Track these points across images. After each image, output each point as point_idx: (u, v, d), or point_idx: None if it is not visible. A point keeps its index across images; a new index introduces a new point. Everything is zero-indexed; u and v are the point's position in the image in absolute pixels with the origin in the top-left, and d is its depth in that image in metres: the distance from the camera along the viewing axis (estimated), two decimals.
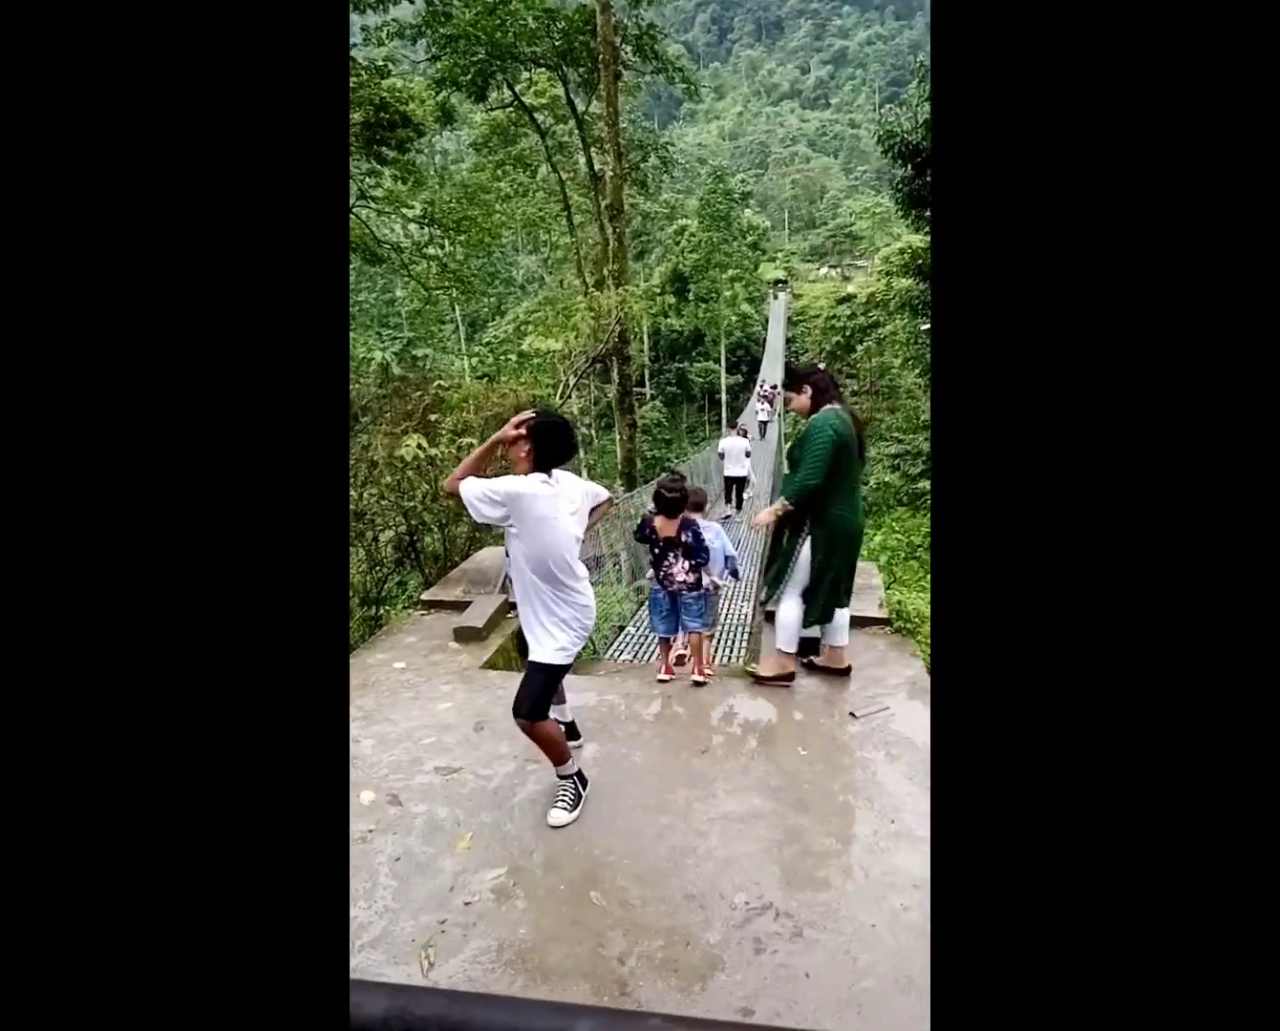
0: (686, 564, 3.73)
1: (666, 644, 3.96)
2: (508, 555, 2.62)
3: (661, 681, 3.77)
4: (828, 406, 3.38)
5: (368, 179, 12.12)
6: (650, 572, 3.90)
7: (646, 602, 3.89)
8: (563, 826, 2.59)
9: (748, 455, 12.24)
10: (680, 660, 3.92)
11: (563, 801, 2.65)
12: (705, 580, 3.76)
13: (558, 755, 2.65)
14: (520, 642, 2.76)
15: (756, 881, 2.29)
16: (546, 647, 2.55)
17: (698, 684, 3.68)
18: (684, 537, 3.69)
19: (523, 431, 2.50)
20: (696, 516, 3.85)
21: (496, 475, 2.68)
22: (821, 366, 3.62)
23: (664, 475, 4.09)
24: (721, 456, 12.35)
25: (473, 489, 2.44)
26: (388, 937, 2.12)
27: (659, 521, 3.73)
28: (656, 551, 3.78)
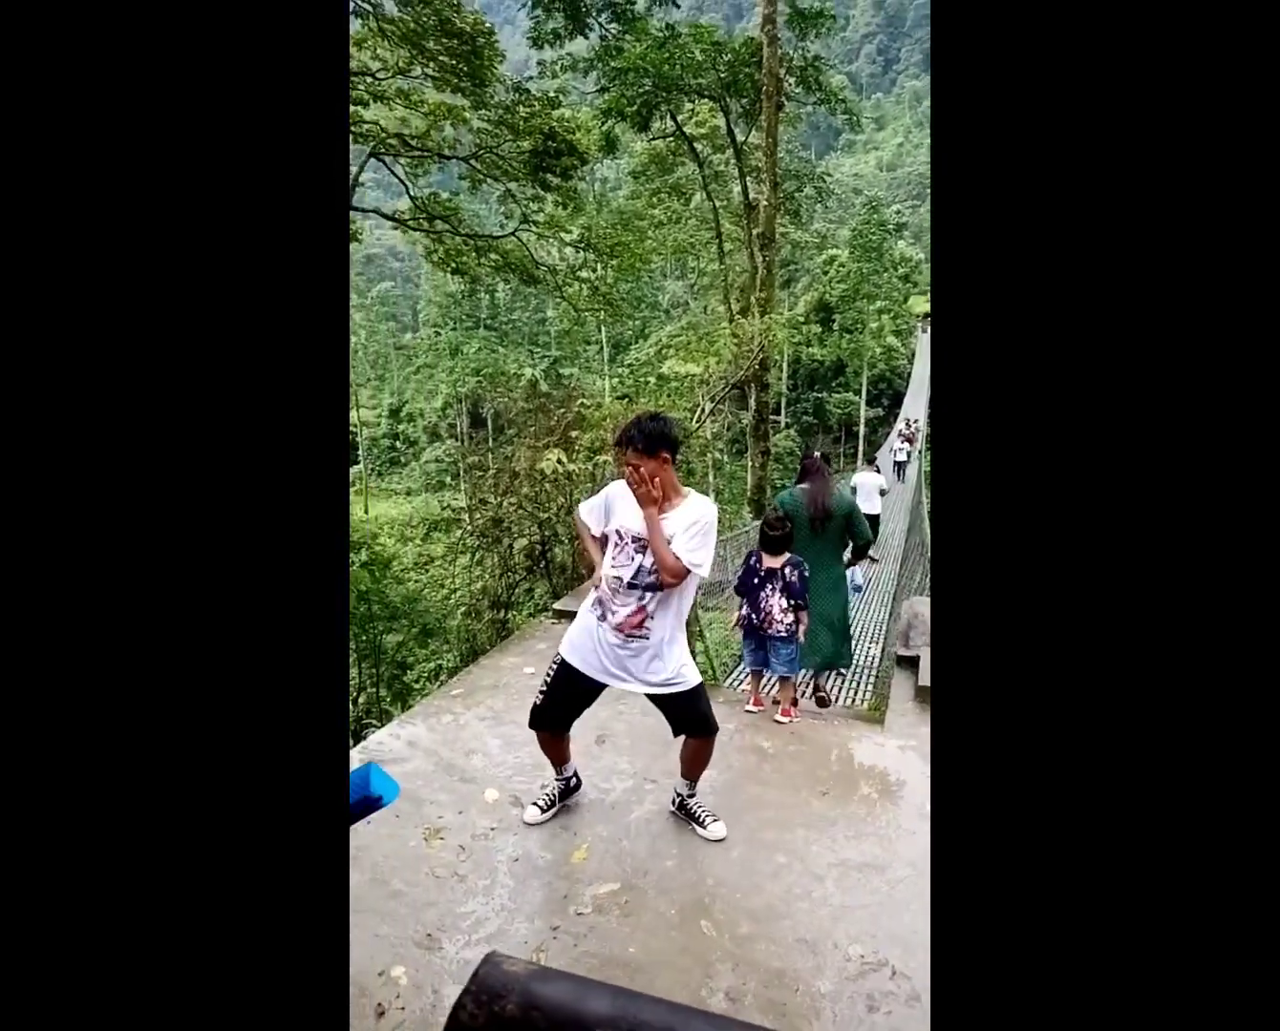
0: (784, 602, 3.71)
1: (758, 675, 3.93)
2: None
3: (749, 712, 3.75)
4: (799, 485, 4.35)
5: (531, 204, 12.75)
6: (742, 605, 3.91)
7: None
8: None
9: (882, 493, 11.59)
10: (775, 701, 3.87)
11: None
12: (800, 627, 3.74)
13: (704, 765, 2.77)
14: None
15: (873, 935, 2.21)
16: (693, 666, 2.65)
17: (778, 722, 3.64)
18: (786, 572, 3.67)
19: (641, 470, 2.44)
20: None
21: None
22: (816, 455, 4.60)
23: (769, 512, 4.17)
24: (853, 491, 12.00)
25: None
26: (502, 935, 2.20)
27: (765, 558, 3.77)
28: (756, 580, 3.78)
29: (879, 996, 2.00)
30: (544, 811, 2.79)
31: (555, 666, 2.69)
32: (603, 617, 2.58)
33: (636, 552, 2.51)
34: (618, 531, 2.56)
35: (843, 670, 5.41)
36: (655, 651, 2.55)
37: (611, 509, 2.60)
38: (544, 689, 2.70)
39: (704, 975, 2.06)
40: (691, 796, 2.78)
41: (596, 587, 2.63)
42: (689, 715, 2.64)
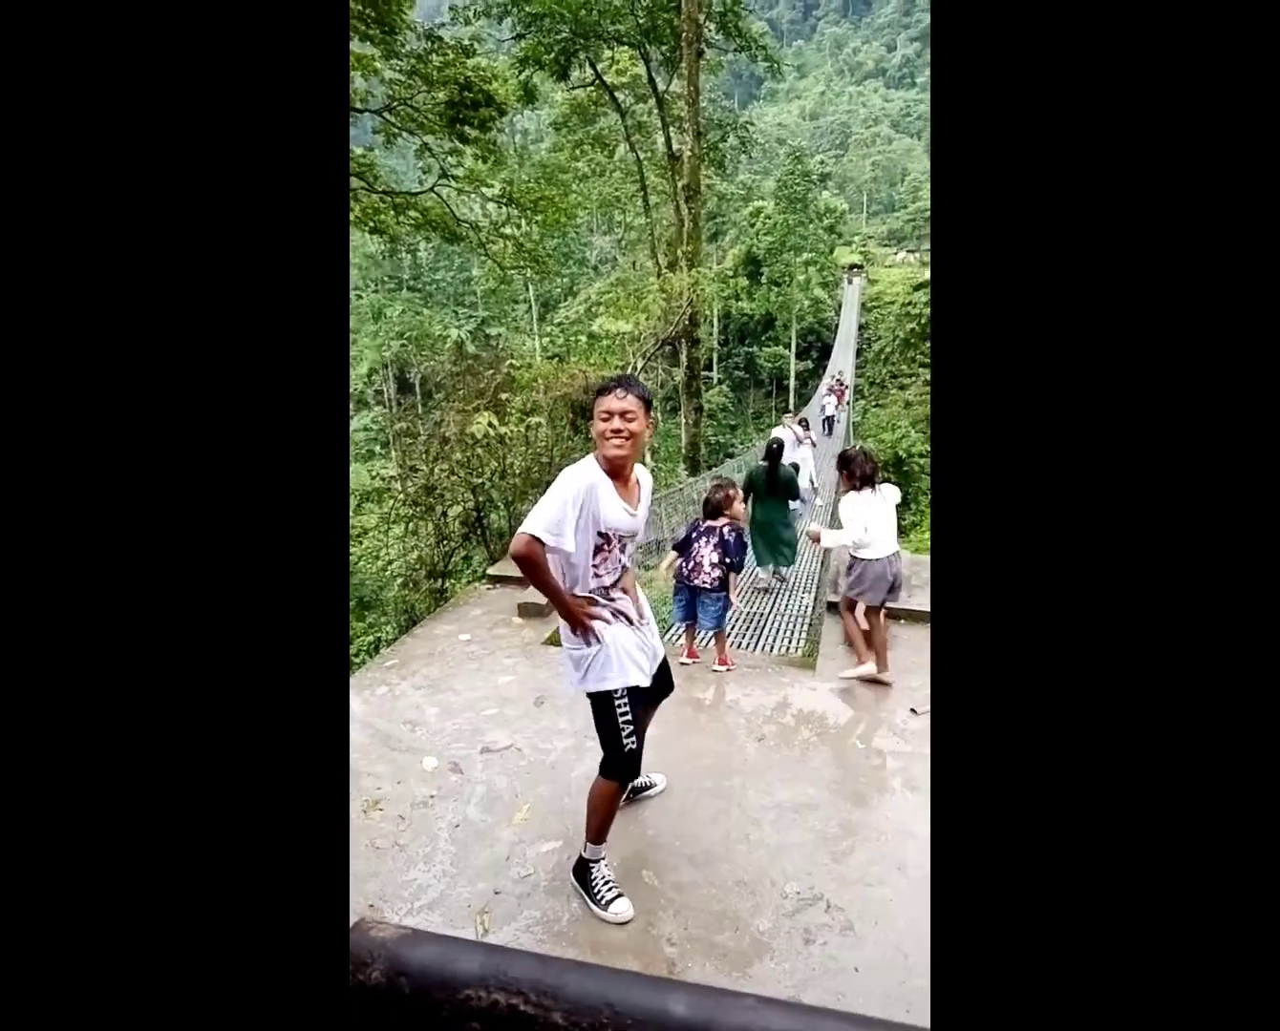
0: (715, 556, 3.82)
1: (691, 628, 4.04)
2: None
3: (684, 664, 3.85)
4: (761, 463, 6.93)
5: (449, 158, 12.30)
6: (672, 555, 4.05)
7: None
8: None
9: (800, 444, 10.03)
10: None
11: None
12: (731, 589, 3.86)
13: None
14: None
15: (808, 872, 2.30)
16: None
17: (715, 671, 3.78)
18: (724, 531, 3.78)
19: (633, 425, 2.09)
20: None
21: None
22: (773, 446, 6.95)
23: (712, 483, 4.46)
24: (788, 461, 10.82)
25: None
26: (445, 900, 2.21)
27: (704, 521, 3.94)
28: (693, 535, 3.92)
29: (814, 929, 2.09)
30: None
31: (624, 703, 2.13)
32: (631, 622, 2.23)
33: (619, 552, 2.20)
34: (604, 535, 2.13)
35: (785, 570, 7.74)
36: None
37: (595, 510, 2.08)
38: (630, 733, 2.15)
39: (647, 924, 2.11)
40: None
41: (594, 604, 2.17)
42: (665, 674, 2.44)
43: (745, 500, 5.58)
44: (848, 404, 23.11)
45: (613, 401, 2.08)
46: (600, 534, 2.12)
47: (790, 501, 6.99)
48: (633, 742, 2.14)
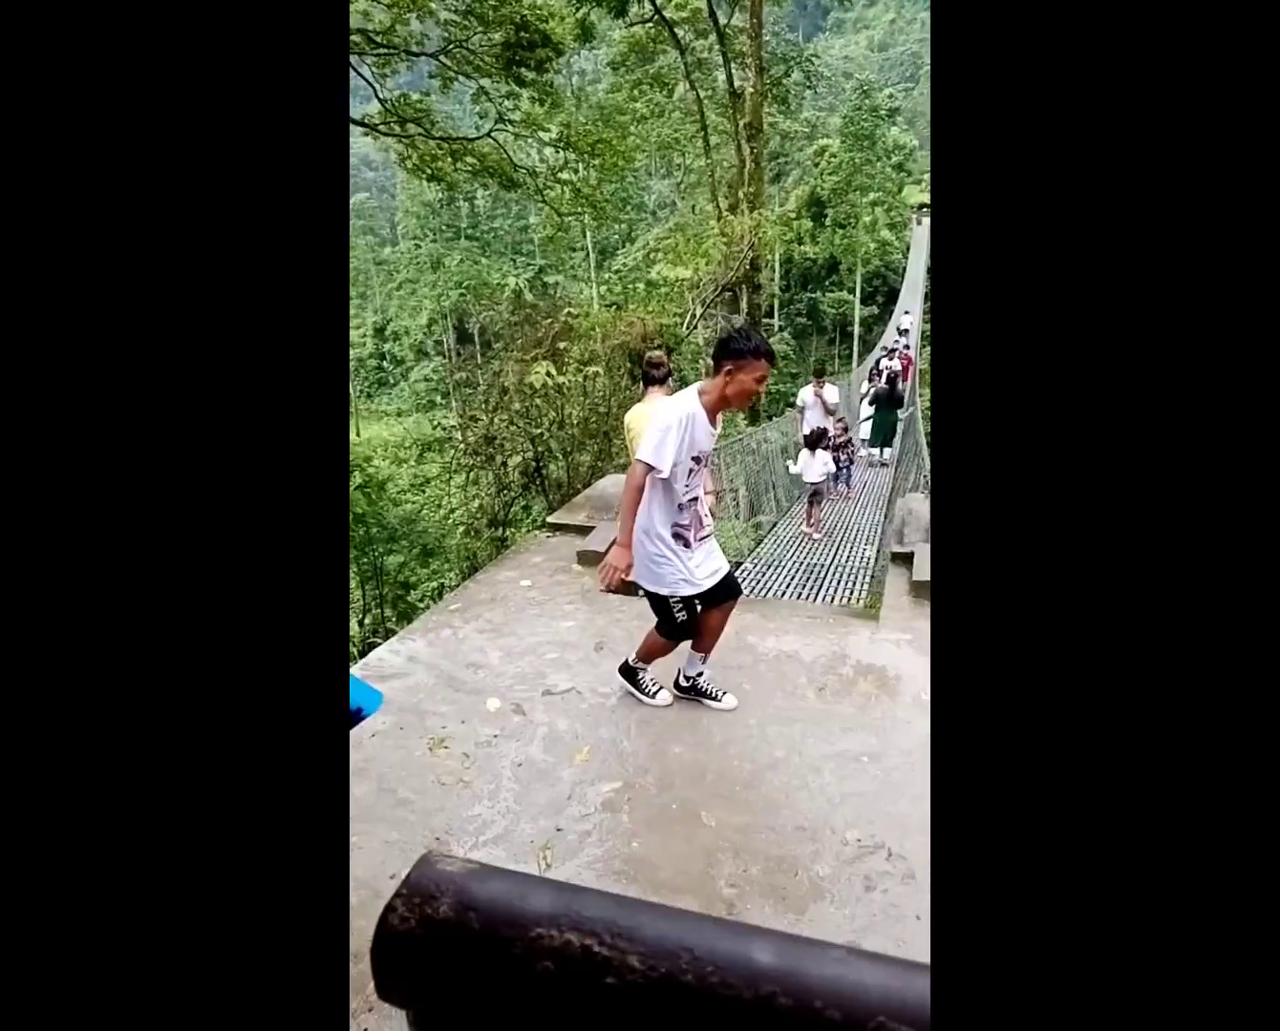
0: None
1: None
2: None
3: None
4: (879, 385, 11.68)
5: (506, 102, 12.14)
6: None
7: (763, 539, 4.63)
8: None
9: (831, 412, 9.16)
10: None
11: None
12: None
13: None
14: None
15: (870, 820, 2.28)
16: None
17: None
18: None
19: None
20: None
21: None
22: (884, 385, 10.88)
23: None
24: (802, 411, 9.40)
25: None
26: (509, 836, 2.27)
27: None
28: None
29: (875, 876, 2.07)
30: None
31: (676, 602, 2.73)
32: (688, 543, 2.68)
33: (699, 469, 2.65)
34: (696, 458, 2.59)
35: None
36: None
37: (693, 436, 2.54)
38: (680, 610, 2.75)
39: (706, 865, 2.13)
40: (701, 675, 2.94)
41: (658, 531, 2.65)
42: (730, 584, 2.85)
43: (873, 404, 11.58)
44: (912, 375, 20.71)
45: (766, 369, 2.50)
46: (694, 458, 2.57)
47: (898, 411, 11.22)
48: (683, 615, 2.73)
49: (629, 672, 2.98)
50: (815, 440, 7.92)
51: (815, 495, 8.36)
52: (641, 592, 2.86)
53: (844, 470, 10.11)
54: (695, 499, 2.68)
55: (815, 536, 8.43)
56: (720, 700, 2.92)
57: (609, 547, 2.71)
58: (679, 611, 2.73)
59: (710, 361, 2.67)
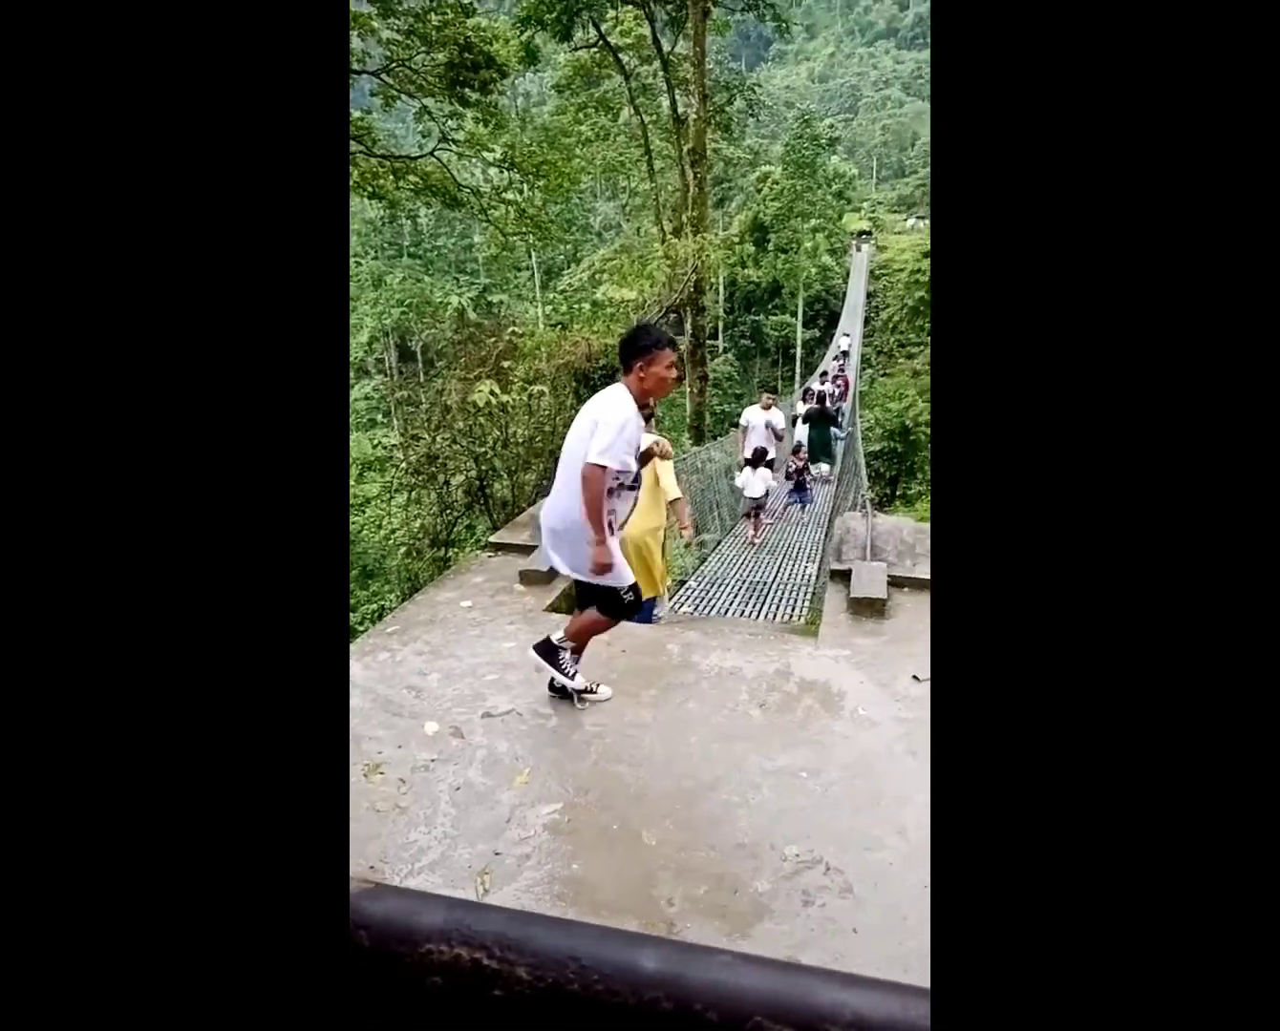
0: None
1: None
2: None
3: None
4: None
5: (450, 121, 12.09)
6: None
7: (707, 557, 4.81)
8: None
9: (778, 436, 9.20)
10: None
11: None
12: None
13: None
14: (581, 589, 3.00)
15: (808, 835, 2.30)
16: None
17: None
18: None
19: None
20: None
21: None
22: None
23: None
24: (745, 431, 9.31)
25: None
26: (446, 862, 2.22)
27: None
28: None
29: (813, 891, 2.09)
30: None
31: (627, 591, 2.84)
32: (613, 532, 2.77)
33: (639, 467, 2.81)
34: (638, 457, 2.77)
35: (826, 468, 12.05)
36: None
37: (635, 434, 2.68)
38: (627, 590, 2.84)
39: (647, 885, 2.12)
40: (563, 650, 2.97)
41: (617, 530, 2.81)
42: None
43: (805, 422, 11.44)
44: (851, 396, 21.05)
45: (673, 356, 2.67)
46: (637, 456, 2.71)
47: (833, 427, 11.38)
48: (630, 595, 2.80)
49: (548, 650, 2.94)
50: (758, 459, 8.63)
51: (758, 509, 9.23)
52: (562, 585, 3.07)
53: (808, 490, 11.00)
54: (630, 492, 2.82)
55: (756, 541, 9.33)
56: (597, 693, 3.04)
57: (599, 547, 2.66)
58: (627, 595, 2.80)
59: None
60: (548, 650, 2.96)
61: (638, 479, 2.83)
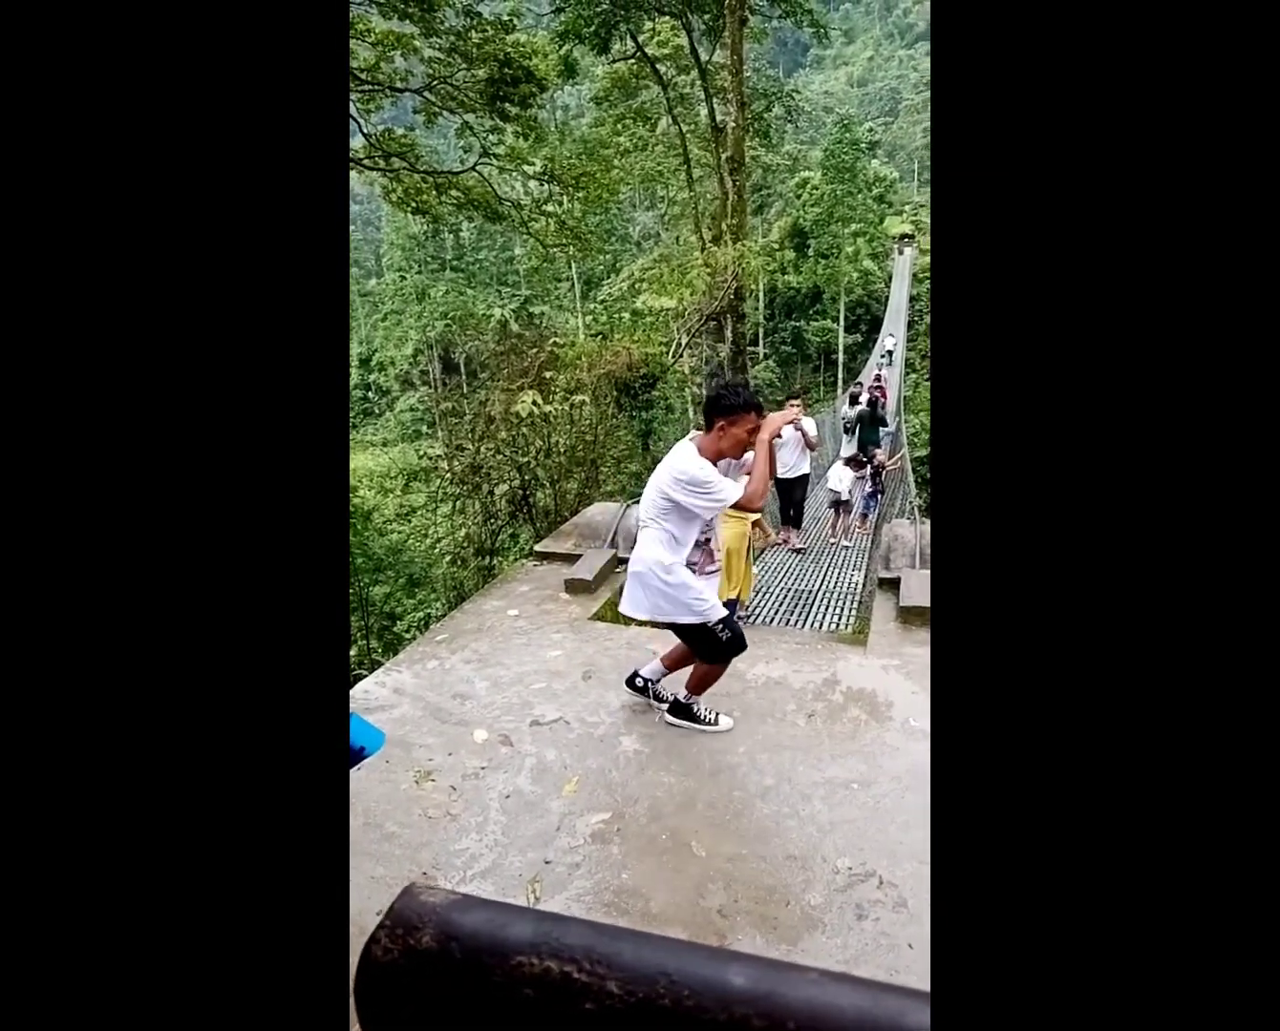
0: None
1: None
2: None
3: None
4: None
5: (490, 136, 12.28)
6: None
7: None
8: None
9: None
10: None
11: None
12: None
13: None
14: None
15: (860, 848, 2.27)
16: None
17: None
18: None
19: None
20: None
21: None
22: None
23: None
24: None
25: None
26: (497, 869, 2.24)
27: None
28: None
29: (867, 905, 2.06)
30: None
31: (721, 627, 2.79)
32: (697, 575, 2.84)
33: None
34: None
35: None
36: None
37: None
38: (722, 630, 2.79)
39: (696, 895, 2.11)
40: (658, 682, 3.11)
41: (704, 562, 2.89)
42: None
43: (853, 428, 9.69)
44: (895, 401, 20.71)
45: (756, 421, 2.68)
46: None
47: (879, 428, 10.11)
48: (727, 633, 2.74)
49: (683, 710, 2.97)
50: (849, 459, 9.12)
51: (844, 505, 9.16)
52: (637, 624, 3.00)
53: (877, 497, 10.04)
54: (709, 539, 2.87)
55: (845, 544, 9.17)
56: (664, 702, 3.06)
57: (755, 500, 2.71)
58: (722, 632, 2.74)
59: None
60: (683, 712, 2.97)
61: (708, 529, 2.87)
